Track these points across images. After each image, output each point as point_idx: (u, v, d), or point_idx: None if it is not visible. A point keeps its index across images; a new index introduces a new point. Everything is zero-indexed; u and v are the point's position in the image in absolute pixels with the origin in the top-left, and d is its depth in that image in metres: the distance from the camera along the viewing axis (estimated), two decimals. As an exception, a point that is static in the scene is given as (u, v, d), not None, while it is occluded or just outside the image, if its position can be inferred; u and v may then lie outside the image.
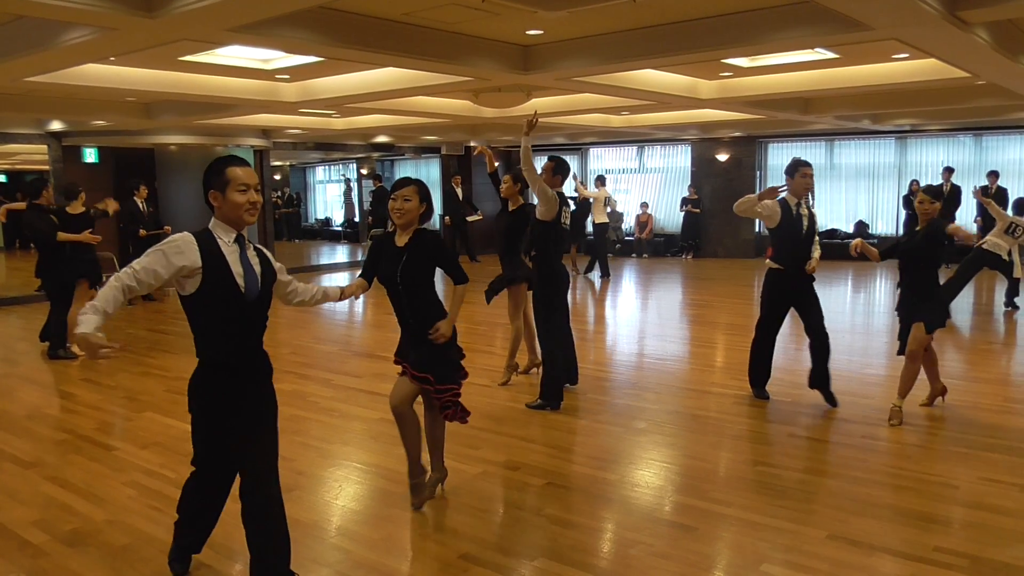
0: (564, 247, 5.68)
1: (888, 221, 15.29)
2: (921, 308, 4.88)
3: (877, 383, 6.02)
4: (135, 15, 4.42)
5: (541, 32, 5.99)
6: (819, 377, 5.35)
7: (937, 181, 13.75)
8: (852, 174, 15.49)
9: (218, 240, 2.80)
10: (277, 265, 3.04)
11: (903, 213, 14.34)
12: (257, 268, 2.87)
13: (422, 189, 3.80)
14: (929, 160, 14.82)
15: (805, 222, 5.21)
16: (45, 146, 11.87)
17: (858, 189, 15.48)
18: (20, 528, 3.69)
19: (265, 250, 3.01)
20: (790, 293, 5.29)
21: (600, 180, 14.11)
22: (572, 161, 18.31)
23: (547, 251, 5.42)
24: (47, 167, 12.50)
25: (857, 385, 5.81)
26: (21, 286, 11.74)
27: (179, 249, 2.73)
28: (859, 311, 10.06)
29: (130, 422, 5.44)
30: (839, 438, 4.73)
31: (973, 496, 3.88)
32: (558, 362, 5.49)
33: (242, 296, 2.80)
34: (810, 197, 15.42)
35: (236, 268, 2.79)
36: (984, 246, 8.57)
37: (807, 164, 5.18)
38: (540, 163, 5.76)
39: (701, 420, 5.14)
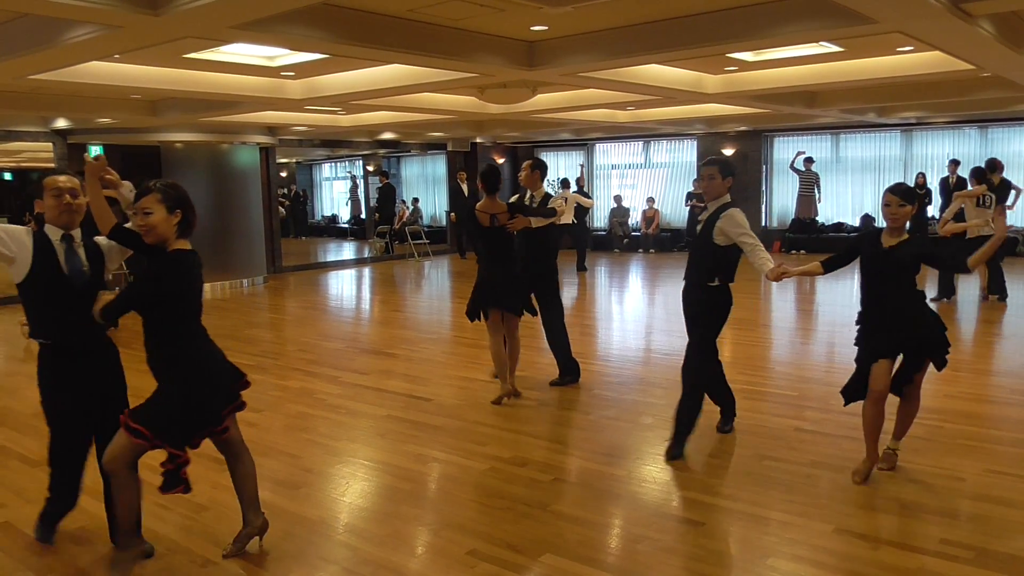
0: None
1: (894, 214, 15.24)
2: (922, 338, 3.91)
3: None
4: (140, 13, 4.43)
5: (546, 28, 5.98)
6: (730, 402, 4.85)
7: (943, 174, 13.73)
8: (858, 167, 15.44)
9: (49, 238, 3.20)
10: (107, 248, 3.35)
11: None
12: (84, 260, 3.25)
13: (168, 195, 3.03)
14: (935, 153, 14.77)
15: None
16: (50, 144, 11.88)
17: (864, 182, 15.42)
18: (27, 526, 3.70)
19: (100, 242, 3.34)
20: None
21: (564, 183, 14.30)
22: (578, 156, 18.32)
23: (550, 250, 5.80)
24: (52, 165, 12.53)
25: (863, 379, 5.80)
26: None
27: (22, 236, 3.17)
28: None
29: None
30: (845, 432, 4.72)
31: (979, 488, 3.88)
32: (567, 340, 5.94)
33: (69, 283, 3.18)
34: (816, 190, 15.10)
35: (63, 261, 3.19)
36: (967, 236, 8.83)
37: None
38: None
39: (708, 415, 5.12)
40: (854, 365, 4.01)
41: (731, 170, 4.40)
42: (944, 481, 3.98)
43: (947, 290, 9.32)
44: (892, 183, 4.01)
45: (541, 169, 5.83)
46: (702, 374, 4.49)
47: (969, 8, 4.83)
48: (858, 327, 4.02)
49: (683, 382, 4.49)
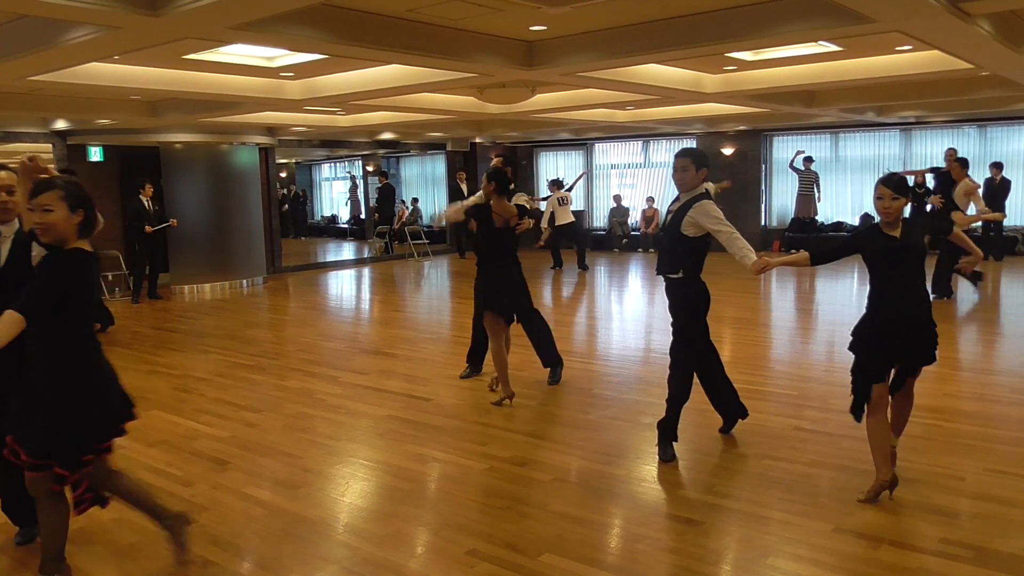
0: None
1: (894, 213, 15.22)
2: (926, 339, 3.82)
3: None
4: (139, 14, 4.43)
5: (545, 28, 5.99)
6: (734, 406, 4.69)
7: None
8: (857, 167, 15.44)
9: None
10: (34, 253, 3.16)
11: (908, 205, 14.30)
12: (2, 257, 3.20)
13: (71, 193, 2.87)
14: (934, 152, 14.74)
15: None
16: (50, 145, 11.88)
17: (864, 181, 15.40)
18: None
19: (37, 242, 3.13)
20: None
21: (554, 184, 14.22)
22: (578, 156, 18.32)
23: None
24: (52, 166, 12.53)
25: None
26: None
27: None
28: (864, 303, 10.04)
29: (137, 420, 5.45)
30: (845, 431, 4.72)
31: (979, 487, 3.88)
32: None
33: None
34: (816, 189, 15.08)
35: None
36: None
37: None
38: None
39: (707, 414, 5.13)
40: (849, 364, 3.95)
41: (704, 162, 4.28)
42: (944, 480, 3.98)
43: (944, 289, 9.28)
44: (885, 174, 3.82)
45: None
46: (680, 380, 4.37)
47: (967, 7, 4.84)
48: (860, 331, 3.86)
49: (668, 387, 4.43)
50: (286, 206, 21.84)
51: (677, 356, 4.38)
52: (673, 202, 4.36)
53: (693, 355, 4.43)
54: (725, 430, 4.78)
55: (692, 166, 4.24)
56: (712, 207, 4.20)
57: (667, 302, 4.42)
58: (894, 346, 3.77)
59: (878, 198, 3.71)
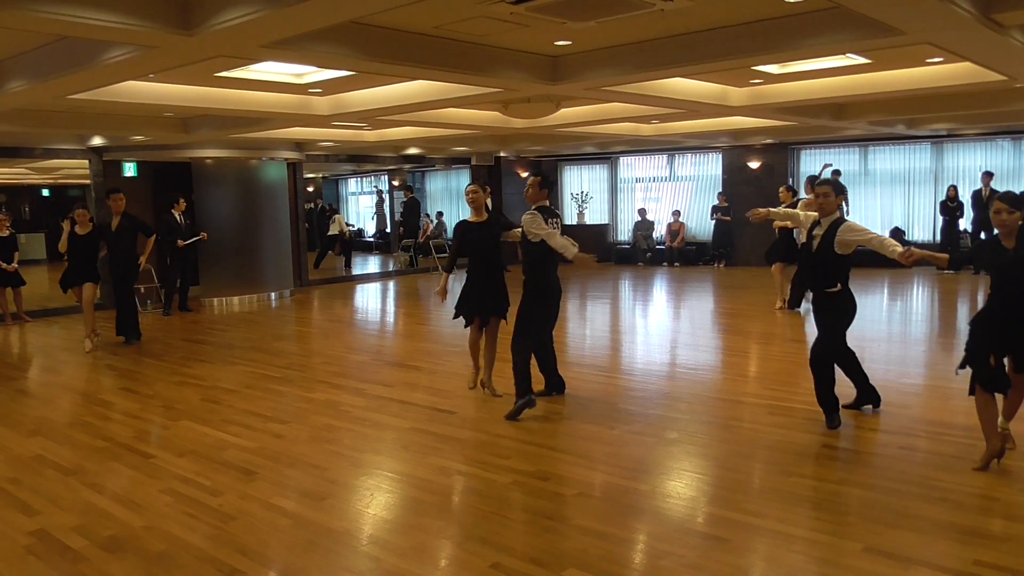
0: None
1: (925, 228, 14.99)
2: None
3: (915, 393, 5.91)
4: (174, 33, 4.54)
5: (569, 42, 6.02)
6: (867, 390, 5.30)
7: (976, 186, 13.51)
8: (887, 180, 15.25)
9: None
10: None
11: (940, 219, 14.08)
12: None
13: None
14: (967, 165, 14.54)
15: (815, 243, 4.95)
16: (86, 161, 12.19)
17: (893, 195, 15.22)
18: (61, 533, 3.79)
19: None
20: None
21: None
22: (602, 170, 18.34)
23: (545, 265, 5.59)
24: (88, 182, 12.83)
25: (894, 395, 5.68)
26: (65, 297, 12.03)
27: None
28: (896, 319, 9.88)
29: (167, 430, 5.56)
30: (875, 448, 4.65)
31: (1014, 509, 3.79)
32: (527, 359, 5.61)
33: None
34: (844, 203, 14.86)
35: None
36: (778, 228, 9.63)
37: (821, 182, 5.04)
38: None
39: (734, 430, 5.08)
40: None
41: (841, 189, 5.04)
42: (977, 500, 3.90)
43: (796, 300, 9.73)
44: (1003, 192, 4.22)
45: (550, 187, 5.83)
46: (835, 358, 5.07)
47: (1000, 18, 4.78)
48: (977, 318, 4.26)
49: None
50: (307, 224, 22.02)
51: (829, 349, 4.96)
52: (815, 227, 4.90)
53: (843, 346, 5.06)
54: (855, 406, 5.31)
55: (832, 192, 4.88)
56: (855, 224, 4.83)
57: (812, 311, 5.16)
58: (1002, 340, 4.14)
59: (995, 212, 4.11)
